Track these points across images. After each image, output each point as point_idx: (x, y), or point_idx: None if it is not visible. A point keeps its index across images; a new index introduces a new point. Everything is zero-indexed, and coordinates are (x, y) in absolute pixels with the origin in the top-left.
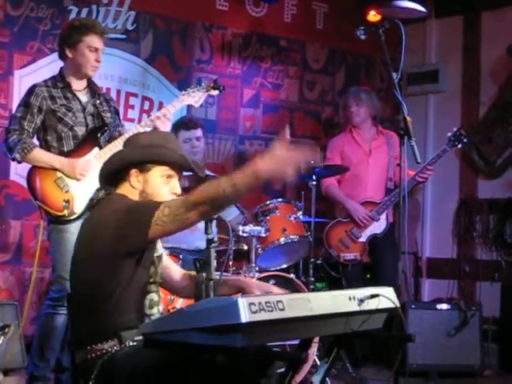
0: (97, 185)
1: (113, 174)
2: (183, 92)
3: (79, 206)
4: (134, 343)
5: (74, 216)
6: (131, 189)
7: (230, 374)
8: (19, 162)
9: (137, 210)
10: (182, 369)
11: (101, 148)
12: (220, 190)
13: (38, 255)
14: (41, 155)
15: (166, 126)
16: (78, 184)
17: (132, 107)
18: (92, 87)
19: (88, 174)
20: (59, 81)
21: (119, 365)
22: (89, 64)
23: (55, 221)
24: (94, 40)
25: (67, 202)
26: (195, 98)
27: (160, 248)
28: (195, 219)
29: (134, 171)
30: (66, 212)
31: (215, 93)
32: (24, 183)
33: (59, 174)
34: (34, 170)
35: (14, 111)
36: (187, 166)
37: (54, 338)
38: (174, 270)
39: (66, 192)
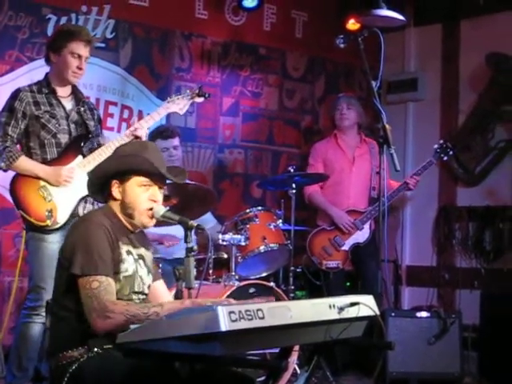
0: (80, 194)
1: (99, 187)
2: (168, 99)
3: (62, 215)
4: (102, 351)
5: (57, 226)
6: (113, 200)
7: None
8: (4, 171)
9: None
10: (150, 376)
11: (84, 156)
12: (145, 310)
13: (20, 265)
14: (26, 164)
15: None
16: (61, 193)
17: (111, 116)
18: (77, 94)
19: (72, 183)
20: (44, 86)
21: (86, 373)
22: (70, 70)
23: (34, 229)
24: (77, 46)
25: (50, 211)
26: (180, 105)
27: (132, 267)
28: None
29: (114, 182)
30: (48, 222)
31: (200, 100)
32: (3, 192)
33: (42, 183)
34: (18, 179)
35: None
36: (157, 173)
37: (31, 347)
38: (163, 298)
39: (49, 201)
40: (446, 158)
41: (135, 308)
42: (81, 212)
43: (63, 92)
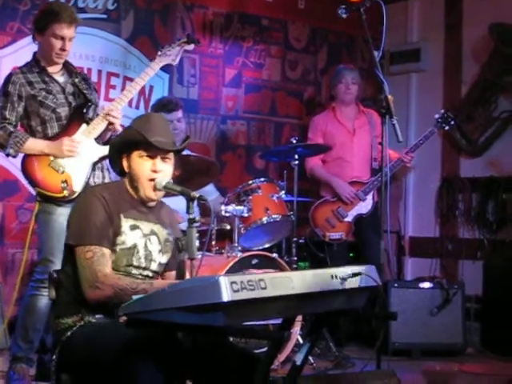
0: (91, 161)
1: (117, 163)
2: (159, 53)
3: (77, 184)
4: (94, 320)
5: (75, 195)
6: (126, 174)
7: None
8: (14, 157)
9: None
10: (138, 348)
11: (88, 124)
12: (134, 285)
13: (30, 238)
14: (32, 144)
15: (119, 121)
16: (72, 163)
17: (113, 87)
18: (68, 67)
19: (79, 151)
20: (34, 66)
21: (76, 342)
22: (53, 52)
23: (45, 200)
24: (59, 28)
25: (65, 182)
26: (172, 56)
27: (132, 241)
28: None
29: (123, 156)
30: (66, 192)
31: (190, 47)
32: (6, 164)
33: (52, 157)
34: (28, 159)
35: None
36: (146, 142)
37: (38, 320)
38: None
39: (62, 173)
40: (447, 128)
41: (125, 283)
42: (90, 180)
43: (53, 68)
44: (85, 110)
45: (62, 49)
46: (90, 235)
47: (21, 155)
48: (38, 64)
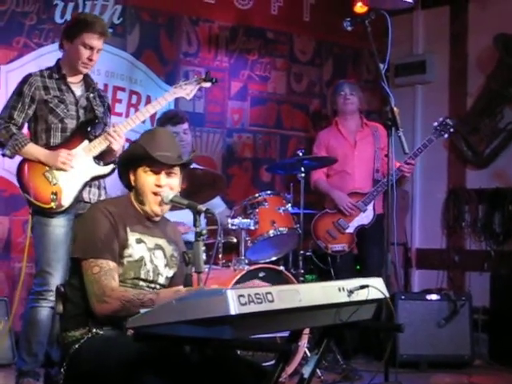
0: (84, 179)
1: (125, 178)
2: (175, 85)
3: (67, 199)
4: (102, 332)
5: (62, 209)
6: (132, 189)
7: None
8: (10, 157)
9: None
10: (154, 361)
11: (90, 141)
12: (140, 296)
13: (27, 251)
14: (30, 150)
15: (118, 144)
16: (67, 177)
17: (119, 101)
18: (87, 81)
19: (74, 166)
20: (55, 72)
21: (84, 354)
22: (80, 61)
23: (40, 213)
24: (90, 38)
25: (55, 194)
26: (187, 90)
27: (139, 254)
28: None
29: (130, 171)
30: (53, 204)
31: (207, 85)
32: (12, 179)
33: (48, 167)
34: (24, 163)
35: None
36: (149, 157)
37: (40, 332)
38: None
39: (54, 185)
40: (446, 136)
41: (131, 295)
42: (86, 196)
43: (74, 78)
44: (89, 128)
45: (90, 58)
46: (95, 249)
47: (15, 161)
48: (59, 71)
